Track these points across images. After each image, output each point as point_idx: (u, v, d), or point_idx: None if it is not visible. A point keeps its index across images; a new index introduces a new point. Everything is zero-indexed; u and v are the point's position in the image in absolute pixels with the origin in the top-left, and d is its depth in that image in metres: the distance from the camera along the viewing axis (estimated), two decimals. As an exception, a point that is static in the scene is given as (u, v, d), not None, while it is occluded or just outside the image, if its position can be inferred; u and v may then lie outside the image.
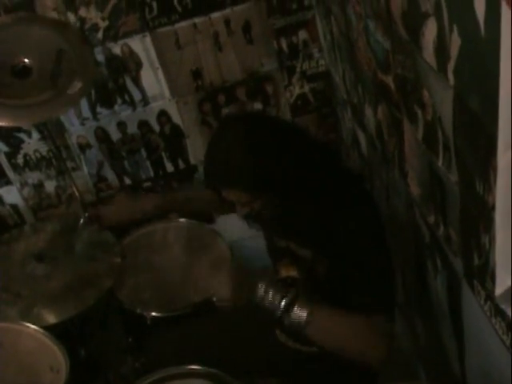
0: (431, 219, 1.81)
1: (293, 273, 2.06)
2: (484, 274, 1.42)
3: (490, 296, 1.41)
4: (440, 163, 1.58)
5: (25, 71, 2.53)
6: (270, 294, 1.83)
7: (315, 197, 1.85)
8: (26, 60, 2.55)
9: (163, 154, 3.30)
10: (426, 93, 1.55)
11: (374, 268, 1.86)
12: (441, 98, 1.45)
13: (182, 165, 3.33)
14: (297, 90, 3.24)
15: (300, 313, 1.80)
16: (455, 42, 1.25)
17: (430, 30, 1.39)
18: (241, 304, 1.91)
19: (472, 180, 1.35)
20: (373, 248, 1.88)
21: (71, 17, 2.86)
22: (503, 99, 0.94)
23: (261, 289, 1.85)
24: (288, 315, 1.82)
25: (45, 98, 2.51)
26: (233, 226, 2.55)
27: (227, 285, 1.89)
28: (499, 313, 1.38)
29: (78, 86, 2.51)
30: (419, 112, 1.64)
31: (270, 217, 1.92)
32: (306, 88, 3.24)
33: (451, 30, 1.26)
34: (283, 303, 1.81)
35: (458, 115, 1.37)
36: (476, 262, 1.48)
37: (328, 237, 1.87)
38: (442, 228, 1.72)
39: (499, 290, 1.09)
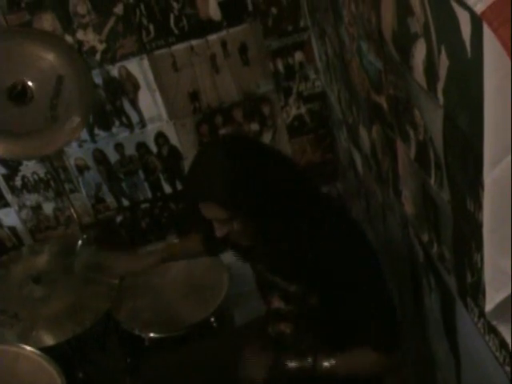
0: (425, 238, 1.82)
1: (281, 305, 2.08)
2: (477, 291, 1.43)
3: (483, 313, 1.42)
4: (432, 182, 1.59)
5: (23, 95, 2.54)
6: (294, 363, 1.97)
7: (293, 224, 1.85)
8: (27, 82, 2.55)
9: (161, 175, 3.31)
10: (417, 113, 1.57)
11: (370, 299, 1.87)
12: (431, 117, 1.46)
13: (179, 186, 3.34)
14: (293, 111, 3.26)
15: (326, 364, 1.93)
16: (443, 63, 1.27)
17: (420, 51, 1.41)
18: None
19: (463, 199, 1.36)
20: (364, 274, 1.88)
21: (69, 39, 2.88)
22: (488, 119, 0.96)
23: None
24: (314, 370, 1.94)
25: (42, 130, 2.53)
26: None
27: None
28: (492, 330, 1.39)
29: (76, 120, 2.53)
30: (411, 132, 1.66)
31: (251, 246, 1.93)
32: (303, 109, 3.26)
33: (439, 51, 1.28)
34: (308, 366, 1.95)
35: (448, 135, 1.38)
36: (469, 279, 1.49)
37: (313, 269, 1.88)
38: (435, 246, 1.73)
39: (489, 306, 1.09)
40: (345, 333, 1.96)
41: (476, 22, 1.00)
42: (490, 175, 0.97)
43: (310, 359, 1.94)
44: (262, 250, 1.94)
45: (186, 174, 1.92)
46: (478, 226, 1.24)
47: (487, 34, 0.89)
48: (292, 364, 1.96)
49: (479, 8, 0.83)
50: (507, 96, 0.86)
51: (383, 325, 1.89)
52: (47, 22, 2.83)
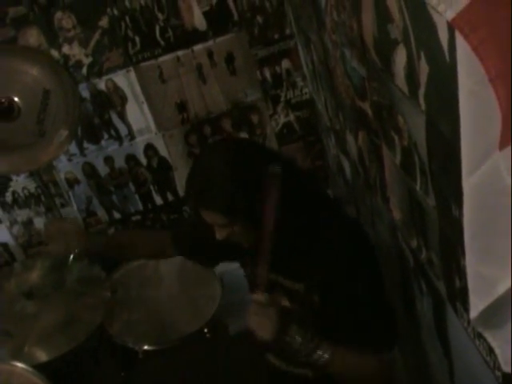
0: (414, 243, 1.82)
1: (285, 303, 2.06)
2: (465, 296, 1.42)
3: (471, 318, 1.41)
4: (418, 188, 1.59)
5: (9, 111, 2.53)
6: (297, 339, 1.87)
7: (296, 226, 1.85)
8: (13, 97, 2.55)
9: (151, 187, 3.31)
10: (400, 119, 1.57)
11: (371, 302, 1.86)
12: (415, 123, 1.46)
13: (170, 197, 3.34)
14: (282, 119, 3.26)
15: (323, 354, 1.86)
16: (423, 69, 1.27)
17: (400, 57, 1.41)
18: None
19: (448, 204, 1.36)
20: (366, 278, 1.88)
21: (55, 54, 2.88)
22: (464, 125, 0.95)
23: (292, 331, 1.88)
24: (311, 356, 1.87)
25: (30, 145, 2.52)
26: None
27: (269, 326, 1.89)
28: (481, 334, 1.39)
29: (64, 134, 2.53)
30: (396, 138, 1.65)
31: (252, 247, 1.92)
32: (291, 116, 3.26)
33: (419, 57, 1.27)
34: (309, 349, 1.86)
35: (431, 140, 1.38)
36: (457, 284, 1.48)
37: (316, 268, 1.88)
38: (424, 252, 1.73)
39: (473, 313, 1.09)
40: (345, 333, 1.96)
41: (452, 28, 1.00)
42: (468, 182, 0.97)
43: (315, 340, 1.87)
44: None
45: (186, 179, 1.90)
46: (463, 232, 1.24)
47: (460, 39, 0.89)
48: (296, 338, 1.88)
49: (449, 15, 0.83)
50: (481, 102, 0.86)
51: (382, 328, 1.87)
52: (32, 37, 2.83)
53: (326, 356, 1.85)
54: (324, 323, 1.97)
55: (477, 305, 1.07)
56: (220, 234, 1.87)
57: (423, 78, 1.29)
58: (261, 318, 1.86)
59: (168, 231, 2.35)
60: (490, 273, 0.99)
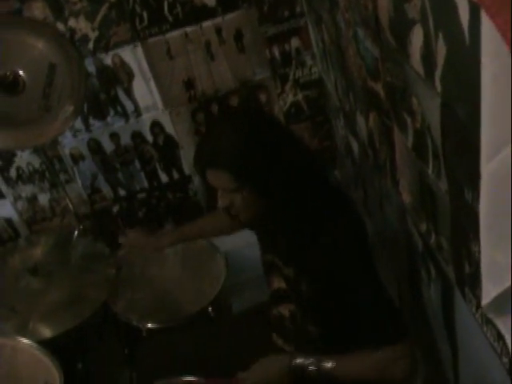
0: (423, 228, 1.80)
1: (281, 284, 2.05)
2: (475, 282, 1.41)
3: (480, 304, 1.39)
4: (430, 172, 1.57)
5: (14, 85, 2.51)
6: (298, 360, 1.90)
7: (297, 207, 1.83)
8: (18, 71, 2.52)
9: (157, 164, 3.28)
10: (414, 101, 1.54)
11: (366, 290, 1.84)
12: (429, 106, 1.44)
13: (176, 175, 3.32)
14: (290, 98, 3.23)
15: (329, 365, 1.87)
16: (441, 50, 1.24)
17: (417, 38, 1.38)
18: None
19: (461, 189, 1.34)
20: (360, 268, 1.85)
21: (61, 27, 2.84)
22: (485, 109, 0.93)
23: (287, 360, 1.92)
24: (320, 371, 1.87)
25: (36, 120, 2.50)
26: (229, 236, 2.54)
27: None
28: (490, 321, 1.37)
29: (70, 109, 2.50)
30: (408, 120, 1.63)
31: (250, 221, 1.91)
32: (300, 96, 3.23)
33: (437, 38, 1.25)
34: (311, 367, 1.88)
35: (445, 124, 1.36)
36: (467, 270, 1.47)
37: (308, 256, 1.86)
38: (433, 236, 1.71)
39: (485, 300, 1.08)
40: (338, 325, 1.95)
41: (474, 8, 0.97)
42: (487, 168, 0.95)
43: (312, 359, 1.89)
44: (262, 227, 1.92)
45: (199, 141, 1.89)
46: (476, 217, 1.22)
47: (485, 20, 0.87)
48: (298, 361, 1.91)
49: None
50: (506, 86, 0.84)
51: (382, 320, 1.85)
52: (38, 9, 2.79)
53: (329, 366, 1.86)
54: (317, 309, 1.96)
55: (490, 291, 1.06)
56: (223, 201, 1.86)
57: (440, 59, 1.26)
58: None
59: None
60: (506, 260, 0.98)
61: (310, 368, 1.87)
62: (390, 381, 1.87)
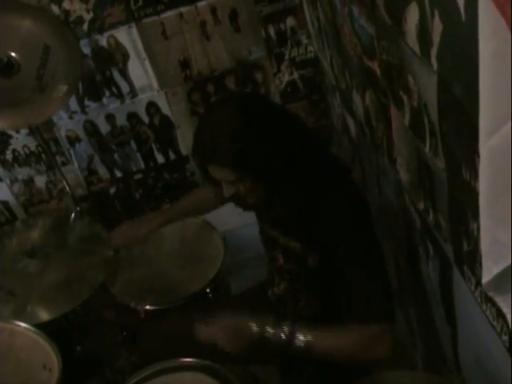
0: (421, 205, 1.79)
1: (280, 261, 2.06)
2: (473, 260, 1.41)
3: (479, 282, 1.39)
4: (427, 150, 1.56)
5: (9, 67, 2.49)
6: (268, 329, 1.89)
7: (301, 185, 1.83)
8: (12, 54, 2.51)
9: (153, 145, 3.28)
10: (410, 79, 1.53)
11: (367, 265, 1.85)
12: (425, 83, 1.43)
13: (172, 156, 3.32)
14: (286, 77, 3.22)
15: (302, 338, 1.85)
16: (437, 27, 1.23)
17: (412, 15, 1.37)
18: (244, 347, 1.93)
19: (459, 167, 1.33)
20: (364, 242, 1.86)
21: (55, 9, 2.83)
22: (484, 85, 0.92)
23: (255, 327, 1.90)
24: (291, 343, 1.86)
25: (29, 100, 2.49)
26: (226, 216, 2.54)
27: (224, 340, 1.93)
28: (489, 299, 1.37)
29: (63, 89, 2.49)
30: (405, 98, 1.62)
31: (256, 204, 1.90)
32: (296, 75, 3.22)
33: (433, 15, 1.24)
34: (283, 335, 1.86)
35: (442, 101, 1.35)
36: (465, 248, 1.46)
37: (316, 229, 1.86)
38: (431, 214, 1.71)
39: (486, 278, 1.07)
40: (341, 298, 1.95)
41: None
42: (487, 144, 0.94)
43: (285, 328, 1.87)
44: (267, 206, 1.92)
45: (194, 134, 1.88)
46: (474, 195, 1.22)
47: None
48: (269, 330, 1.89)
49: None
50: (505, 61, 0.83)
51: (375, 297, 1.85)
52: (32, -9, 2.77)
53: (302, 339, 1.84)
54: (320, 286, 1.96)
55: (491, 269, 1.05)
56: (228, 191, 1.86)
57: (436, 37, 1.25)
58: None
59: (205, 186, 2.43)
60: (507, 237, 0.97)
61: (281, 340, 1.86)
62: (370, 360, 1.88)
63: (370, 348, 1.83)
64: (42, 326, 2.26)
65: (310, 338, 1.84)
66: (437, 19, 1.22)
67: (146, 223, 2.60)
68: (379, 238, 1.90)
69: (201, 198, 2.51)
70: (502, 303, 1.13)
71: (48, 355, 2.11)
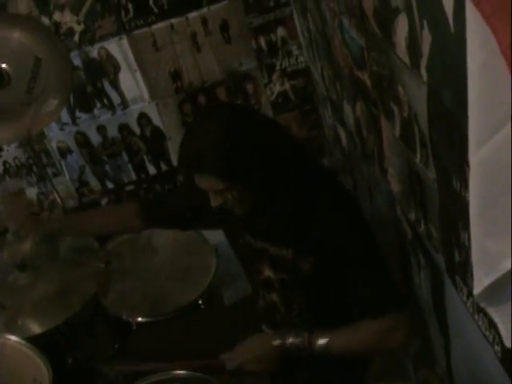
0: (412, 216, 1.80)
1: (269, 273, 2.05)
2: (465, 270, 1.41)
3: (471, 292, 1.40)
4: (418, 160, 1.56)
5: (0, 80, 2.49)
6: (289, 340, 1.91)
7: (289, 192, 1.83)
8: (3, 65, 2.51)
9: (145, 156, 3.28)
10: (401, 89, 1.54)
11: (365, 258, 1.84)
12: (415, 94, 1.43)
13: (164, 167, 3.32)
14: (277, 88, 3.22)
15: (321, 343, 1.87)
16: (426, 39, 1.24)
17: (402, 27, 1.38)
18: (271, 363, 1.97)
19: (449, 177, 1.34)
20: (358, 237, 1.85)
21: (45, 21, 2.83)
22: (473, 97, 0.92)
23: (276, 341, 1.93)
24: (312, 348, 1.88)
25: (19, 114, 2.49)
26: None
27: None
28: (481, 309, 1.37)
29: (54, 103, 2.49)
30: (395, 109, 1.63)
31: (243, 214, 1.90)
32: (287, 85, 3.22)
33: (422, 27, 1.24)
34: (303, 341, 1.89)
35: (432, 112, 1.36)
36: (457, 258, 1.47)
37: (308, 232, 1.86)
38: (422, 225, 1.71)
39: (477, 289, 1.07)
40: (338, 303, 1.95)
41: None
42: (476, 155, 0.94)
43: (305, 335, 1.89)
44: (254, 216, 1.92)
45: (180, 144, 1.86)
46: (465, 205, 1.22)
47: (470, 8, 0.86)
48: (289, 340, 1.91)
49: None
50: (494, 72, 0.83)
51: (381, 288, 1.85)
52: (22, 4, 2.78)
53: (322, 342, 1.87)
54: (314, 292, 1.96)
55: (482, 279, 1.05)
56: (215, 201, 1.84)
57: (425, 48, 1.26)
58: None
59: (133, 203, 2.36)
60: (497, 248, 0.97)
61: (303, 346, 1.89)
62: (390, 348, 1.94)
63: (387, 339, 1.85)
64: (33, 339, 2.25)
65: (328, 339, 1.87)
66: (426, 30, 1.23)
67: (41, 223, 2.54)
68: (373, 231, 1.89)
69: (117, 215, 2.43)
70: (494, 314, 1.13)
71: (38, 368, 2.10)
